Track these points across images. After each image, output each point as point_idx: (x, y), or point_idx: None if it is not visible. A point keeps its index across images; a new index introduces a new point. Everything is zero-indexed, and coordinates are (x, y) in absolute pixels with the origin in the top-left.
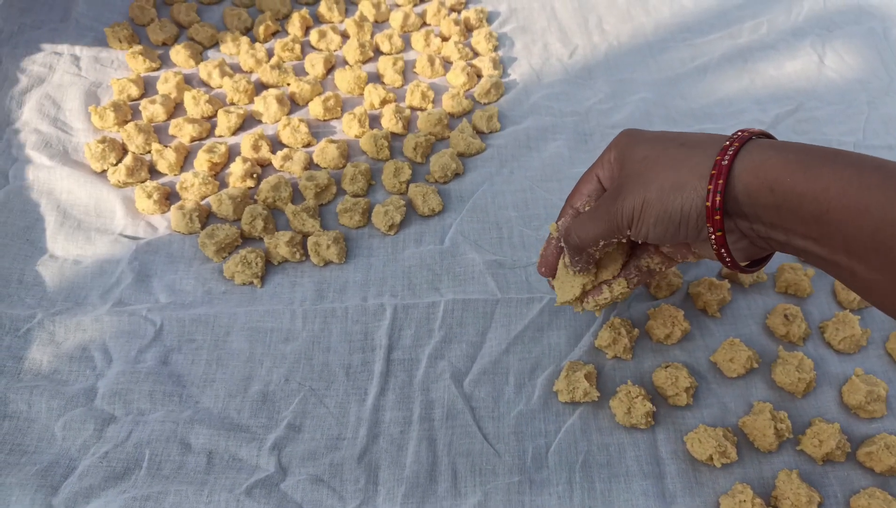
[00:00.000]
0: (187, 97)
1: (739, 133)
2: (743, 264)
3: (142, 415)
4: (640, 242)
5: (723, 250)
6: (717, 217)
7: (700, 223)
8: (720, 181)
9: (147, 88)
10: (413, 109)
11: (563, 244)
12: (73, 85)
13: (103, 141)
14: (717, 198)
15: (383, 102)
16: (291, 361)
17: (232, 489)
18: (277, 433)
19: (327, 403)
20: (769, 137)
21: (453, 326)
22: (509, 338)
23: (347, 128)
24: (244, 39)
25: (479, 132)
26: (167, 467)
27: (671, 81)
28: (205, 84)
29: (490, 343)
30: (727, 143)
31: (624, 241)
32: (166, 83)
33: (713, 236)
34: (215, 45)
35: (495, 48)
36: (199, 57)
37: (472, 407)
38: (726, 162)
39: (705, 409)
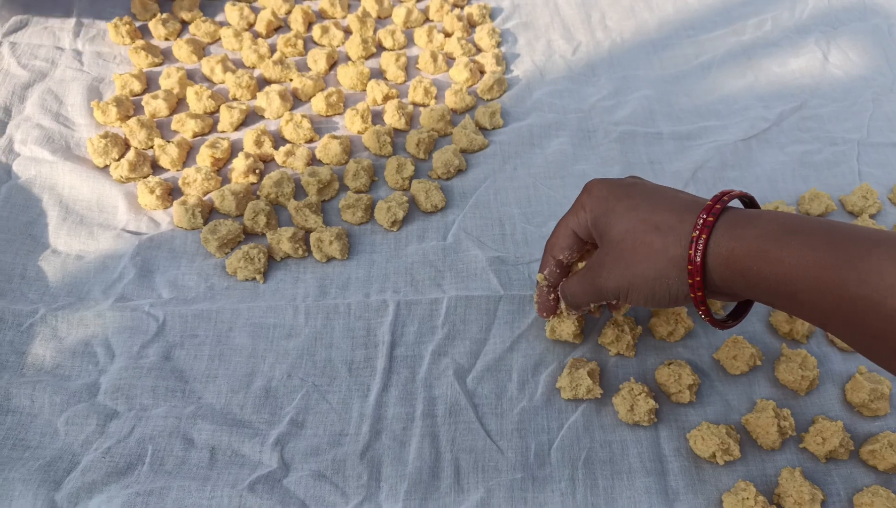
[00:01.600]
0: (190, 93)
1: (703, 218)
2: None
3: (144, 410)
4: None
5: (708, 319)
6: (703, 308)
7: (687, 300)
8: (697, 278)
9: (149, 83)
10: (416, 105)
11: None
12: (76, 80)
13: (106, 136)
14: (700, 293)
15: (386, 98)
16: (294, 357)
17: (235, 484)
18: (280, 428)
19: (330, 399)
20: (745, 197)
21: (456, 322)
22: (512, 335)
23: (350, 124)
24: (246, 35)
25: (481, 129)
26: (170, 462)
27: (675, 78)
28: (207, 79)
29: (493, 340)
30: (695, 233)
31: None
32: (169, 78)
33: (701, 314)
34: (217, 40)
35: (498, 44)
36: (201, 52)
37: (475, 404)
38: (699, 260)
39: (708, 406)
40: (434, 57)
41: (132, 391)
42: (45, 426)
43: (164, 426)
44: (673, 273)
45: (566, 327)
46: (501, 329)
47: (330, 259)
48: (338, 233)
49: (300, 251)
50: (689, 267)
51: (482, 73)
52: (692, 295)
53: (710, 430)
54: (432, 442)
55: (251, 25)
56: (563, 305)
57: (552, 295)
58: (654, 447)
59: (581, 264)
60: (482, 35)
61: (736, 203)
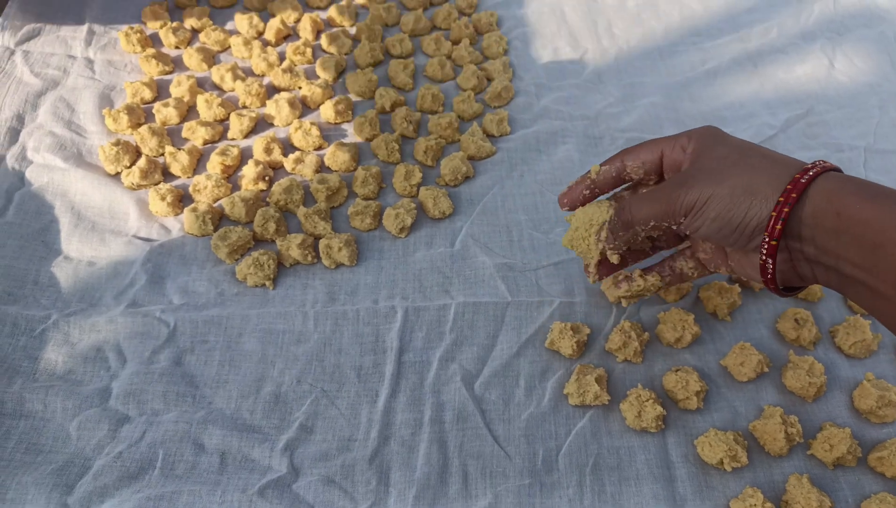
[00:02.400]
0: (200, 100)
1: (820, 163)
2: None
3: (155, 415)
4: (688, 233)
5: (769, 262)
6: (779, 226)
7: (757, 232)
8: (794, 195)
9: (160, 91)
10: (424, 112)
11: (607, 224)
12: (87, 88)
13: (117, 144)
14: (786, 210)
15: (394, 106)
16: (303, 362)
17: (245, 489)
18: (289, 434)
19: (339, 404)
20: (840, 172)
21: (464, 329)
22: (520, 341)
23: (358, 131)
24: (256, 43)
25: (489, 136)
26: (180, 467)
27: (681, 85)
28: (217, 87)
29: (500, 346)
30: (809, 165)
31: (674, 227)
32: (179, 86)
33: (766, 246)
34: (227, 49)
35: (505, 52)
36: (211, 61)
37: (483, 410)
38: (805, 180)
39: (715, 413)
40: (442, 64)
41: (143, 396)
42: (58, 431)
43: (174, 431)
44: (765, 191)
45: (565, 341)
46: (509, 335)
47: (339, 266)
48: (347, 239)
49: (309, 258)
50: (789, 186)
51: (489, 80)
52: (773, 213)
53: (718, 436)
54: (440, 448)
55: (260, 34)
56: (601, 239)
57: (587, 191)
58: (661, 453)
59: (594, 218)
60: (489, 43)
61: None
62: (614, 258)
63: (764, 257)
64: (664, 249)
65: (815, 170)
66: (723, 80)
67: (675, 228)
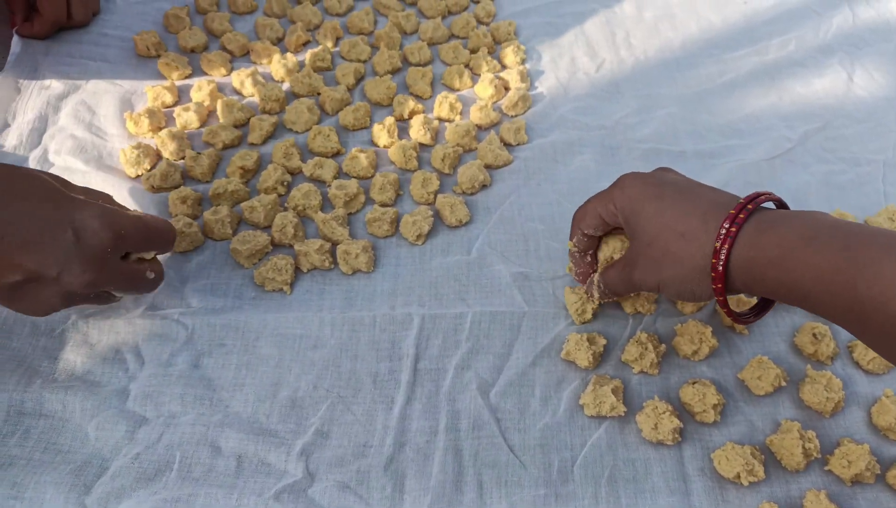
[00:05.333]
0: (221, 105)
1: (731, 216)
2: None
3: (173, 418)
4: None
5: (731, 317)
6: (726, 309)
7: (708, 297)
8: (720, 285)
9: (181, 95)
10: (441, 120)
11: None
12: (108, 92)
13: (138, 147)
14: (721, 298)
15: (412, 113)
16: (320, 368)
17: (261, 493)
18: (305, 438)
19: (354, 410)
20: (775, 200)
21: (480, 337)
22: (535, 351)
23: (376, 138)
24: (276, 49)
25: (506, 144)
26: (197, 470)
27: (698, 97)
28: (237, 92)
29: (516, 355)
30: (717, 244)
31: None
32: (200, 91)
33: (724, 312)
34: (247, 54)
35: (523, 61)
36: (230, 66)
37: (498, 419)
38: (721, 268)
39: (732, 426)
40: (459, 73)
41: (161, 398)
42: (76, 431)
43: (191, 434)
44: (697, 278)
45: (581, 352)
46: (524, 345)
47: (356, 272)
48: (364, 246)
49: (327, 263)
50: (713, 274)
51: (507, 89)
52: (716, 298)
53: (735, 450)
54: (455, 456)
55: (280, 40)
56: (596, 293)
57: (587, 258)
58: (677, 466)
59: (615, 253)
60: (507, 52)
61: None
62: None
63: (726, 316)
64: None
65: (725, 248)
66: (740, 92)
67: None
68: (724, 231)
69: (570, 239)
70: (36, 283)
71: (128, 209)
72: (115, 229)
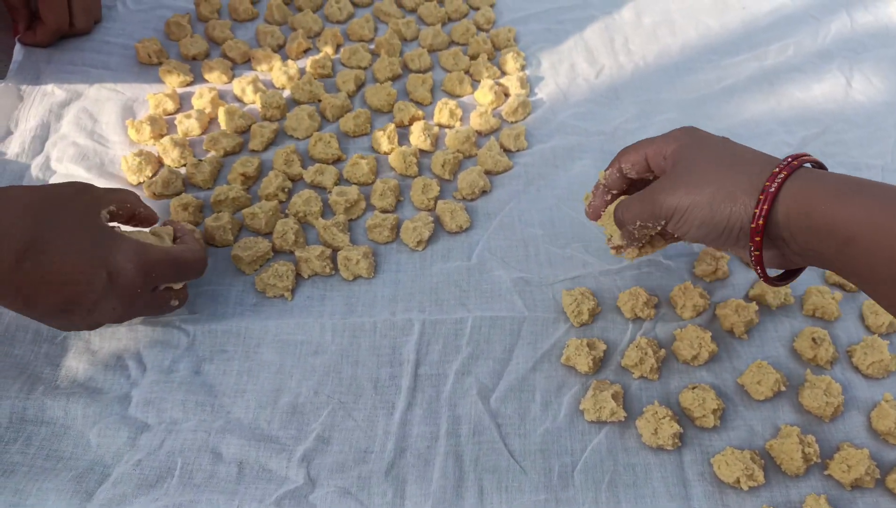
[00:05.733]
0: (222, 112)
1: (789, 160)
2: (776, 274)
3: (174, 424)
4: (676, 236)
5: (758, 267)
6: (758, 238)
7: (742, 236)
8: (765, 206)
9: (182, 103)
10: (441, 126)
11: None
12: (110, 99)
13: (140, 154)
14: (761, 222)
15: (412, 120)
16: (321, 373)
17: (262, 499)
18: (306, 444)
19: (355, 416)
20: (818, 162)
21: (480, 342)
22: (536, 356)
23: (377, 144)
24: (276, 56)
25: (506, 150)
26: (198, 476)
27: (697, 102)
28: (238, 100)
29: (516, 360)
30: (777, 169)
31: (659, 228)
32: (201, 98)
33: (752, 254)
34: (248, 61)
35: (523, 67)
36: (231, 73)
37: (499, 424)
38: (773, 189)
39: (732, 431)
40: (459, 79)
41: (163, 404)
42: (78, 438)
43: (193, 440)
44: (742, 199)
45: (581, 357)
46: (525, 350)
47: (357, 278)
48: (365, 252)
49: (328, 269)
50: (761, 196)
51: (507, 95)
52: (753, 224)
53: (735, 455)
54: (456, 461)
55: (281, 47)
56: (612, 236)
57: (608, 195)
58: (677, 471)
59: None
60: (507, 58)
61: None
62: (630, 254)
63: (752, 263)
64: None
65: (784, 173)
66: (739, 97)
67: (660, 229)
68: (777, 169)
69: (606, 169)
70: (68, 312)
71: (161, 229)
72: (146, 271)
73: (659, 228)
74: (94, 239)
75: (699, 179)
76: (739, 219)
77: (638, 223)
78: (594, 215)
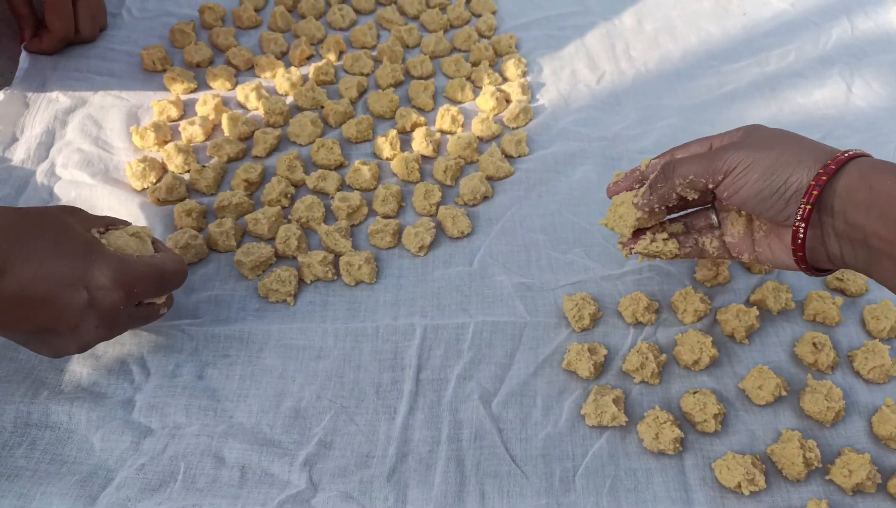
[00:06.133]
0: (226, 119)
1: (860, 150)
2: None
3: (177, 428)
4: (724, 196)
5: (801, 227)
6: (816, 193)
7: (794, 198)
8: (832, 167)
9: (186, 109)
10: (443, 132)
11: (651, 176)
12: (115, 106)
13: (144, 160)
14: (824, 179)
15: (414, 126)
16: (323, 378)
17: (264, 503)
18: (309, 449)
19: (357, 421)
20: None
21: (482, 347)
22: (537, 361)
23: (379, 150)
24: (280, 63)
25: (507, 156)
26: (201, 480)
27: (699, 108)
28: (241, 106)
29: (518, 365)
30: (849, 150)
31: (710, 186)
32: (205, 105)
33: (801, 212)
34: (251, 68)
35: (524, 74)
36: (234, 80)
37: (500, 429)
38: (844, 157)
39: (733, 436)
40: (461, 86)
41: (166, 409)
42: (82, 442)
43: (196, 445)
44: (807, 162)
45: (582, 362)
46: (526, 355)
47: (359, 283)
48: (367, 257)
49: (330, 275)
50: (820, 170)
51: (508, 101)
52: (811, 182)
53: (736, 460)
54: (458, 466)
55: (284, 54)
56: (635, 194)
57: (637, 184)
58: (678, 476)
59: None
60: (508, 64)
61: None
62: (639, 215)
63: (797, 225)
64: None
65: (854, 151)
66: (740, 103)
67: (711, 187)
68: (846, 150)
69: (653, 159)
70: (51, 334)
71: (141, 229)
72: (127, 288)
73: (711, 186)
74: (73, 260)
75: (767, 143)
76: (798, 180)
77: (691, 177)
78: (614, 192)
